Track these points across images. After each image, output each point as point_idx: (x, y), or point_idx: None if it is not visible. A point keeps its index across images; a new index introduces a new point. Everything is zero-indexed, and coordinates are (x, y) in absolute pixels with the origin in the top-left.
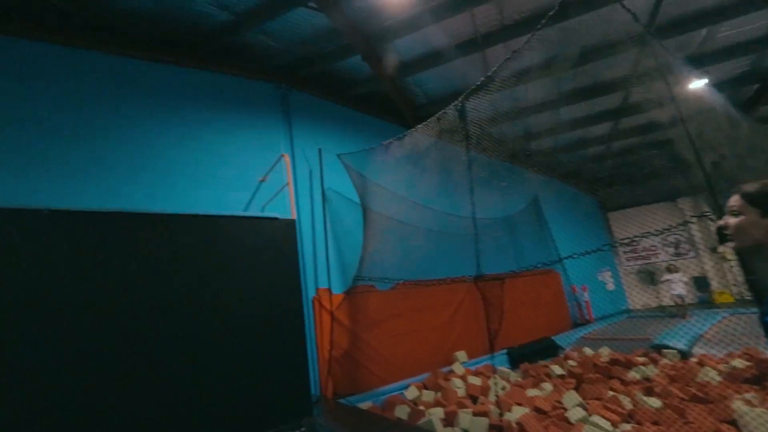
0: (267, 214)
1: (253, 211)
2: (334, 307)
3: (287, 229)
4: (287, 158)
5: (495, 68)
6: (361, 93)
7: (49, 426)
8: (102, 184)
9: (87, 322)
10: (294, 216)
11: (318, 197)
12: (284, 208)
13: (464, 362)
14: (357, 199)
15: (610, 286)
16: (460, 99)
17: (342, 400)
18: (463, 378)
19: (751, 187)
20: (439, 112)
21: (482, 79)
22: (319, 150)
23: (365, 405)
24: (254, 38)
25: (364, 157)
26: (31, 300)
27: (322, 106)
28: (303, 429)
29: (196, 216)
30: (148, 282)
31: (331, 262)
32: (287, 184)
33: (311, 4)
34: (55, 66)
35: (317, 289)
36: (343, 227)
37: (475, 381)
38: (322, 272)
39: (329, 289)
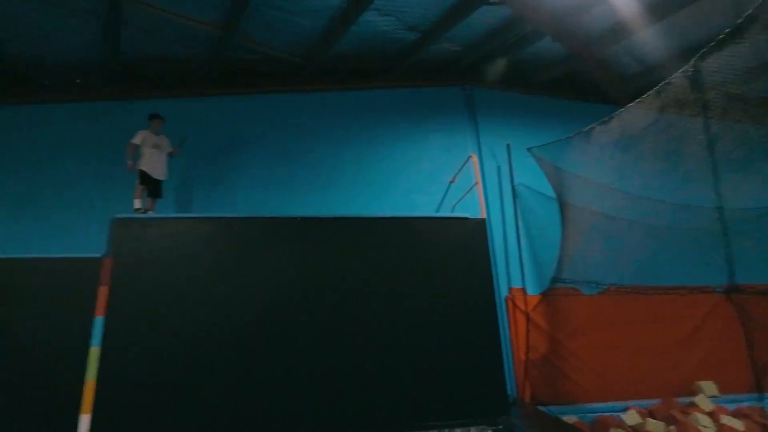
0: (457, 214)
1: (444, 213)
2: (529, 308)
3: (478, 228)
4: (475, 158)
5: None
6: (552, 77)
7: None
8: (319, 196)
9: (316, 306)
10: (484, 215)
11: (508, 195)
12: (474, 208)
13: (712, 396)
14: (551, 194)
15: None
16: (691, 62)
17: (542, 408)
18: (712, 416)
19: None
20: (660, 84)
21: (728, 30)
22: (508, 146)
23: (569, 418)
24: (439, 48)
25: (559, 148)
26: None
27: (509, 100)
28: (500, 427)
29: (392, 218)
30: (356, 275)
31: (525, 262)
32: (476, 183)
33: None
34: (292, 106)
35: (510, 289)
36: (536, 224)
37: (736, 424)
38: (514, 271)
39: (523, 289)
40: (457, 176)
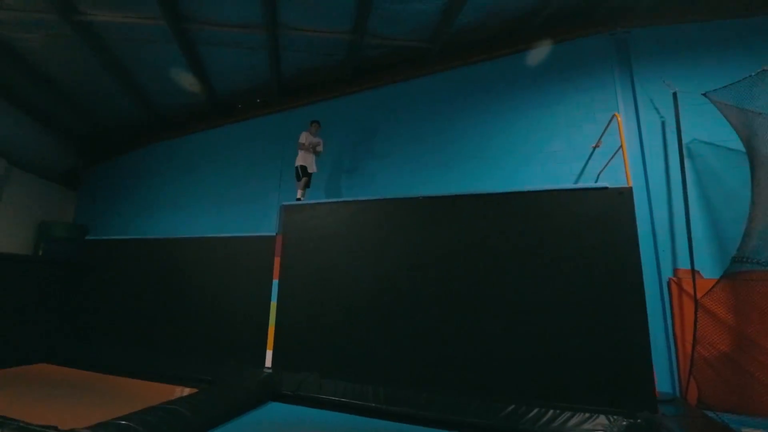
0: (594, 184)
1: (587, 182)
2: (701, 293)
3: (621, 199)
4: (619, 117)
5: None
6: None
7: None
8: (458, 172)
9: (448, 279)
10: (629, 184)
11: (676, 156)
12: (634, 173)
13: None
14: (742, 149)
15: None
16: None
17: (710, 413)
18: None
19: None
20: None
21: None
22: (674, 94)
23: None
24: None
25: (750, 86)
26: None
27: (678, 36)
28: (639, 421)
29: (516, 193)
30: (489, 251)
31: (700, 237)
32: (620, 147)
33: None
34: (423, 90)
35: (675, 270)
36: (721, 190)
37: None
38: (683, 249)
39: (694, 271)
40: (601, 140)
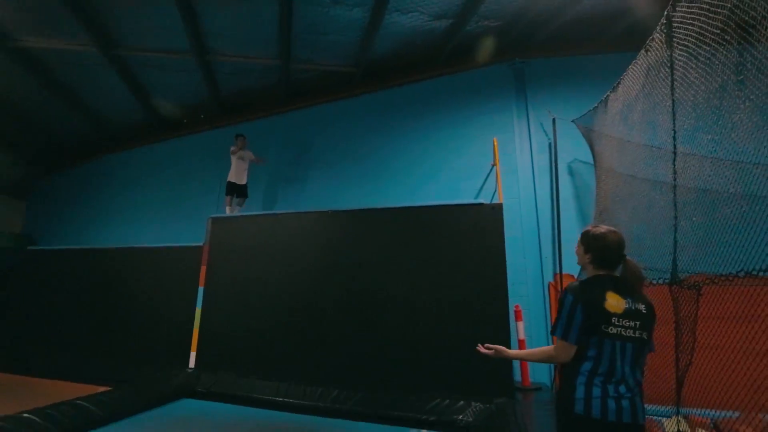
0: (472, 201)
1: (485, 197)
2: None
3: (494, 213)
4: (495, 141)
5: None
6: (619, 30)
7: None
8: (372, 186)
9: (349, 284)
10: (501, 200)
11: (564, 173)
12: (522, 191)
13: None
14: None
15: None
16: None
17: None
18: None
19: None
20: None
21: None
22: (553, 120)
23: None
24: (477, 28)
25: (594, 113)
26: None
27: (568, 66)
28: (492, 406)
29: (404, 208)
30: (380, 260)
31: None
32: (493, 165)
33: None
34: (348, 110)
35: (555, 275)
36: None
37: None
38: (567, 257)
39: (561, 275)
40: (499, 159)
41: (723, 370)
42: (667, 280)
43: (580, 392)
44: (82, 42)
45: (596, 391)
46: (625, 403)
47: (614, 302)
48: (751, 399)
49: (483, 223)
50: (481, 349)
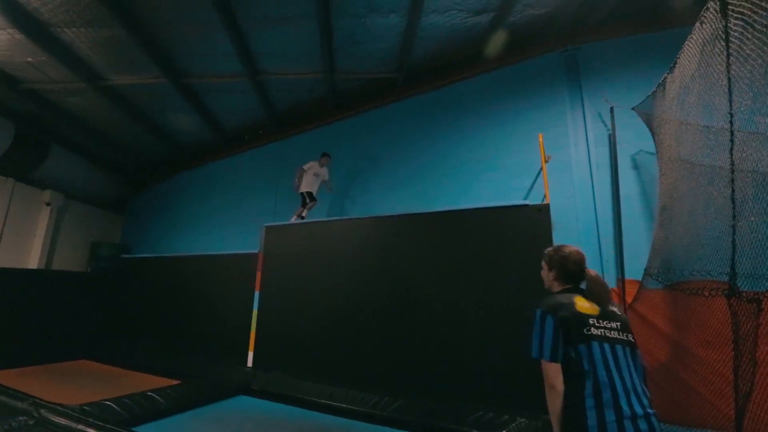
0: (515, 202)
1: (535, 197)
2: (643, 303)
3: (540, 215)
4: (541, 138)
5: None
6: (682, 3)
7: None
8: (414, 191)
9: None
10: (548, 200)
11: (626, 168)
12: (578, 189)
13: None
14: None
15: None
16: None
17: None
18: None
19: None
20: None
21: None
22: (611, 109)
23: None
24: (522, 18)
25: (654, 97)
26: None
27: (624, 49)
28: (538, 423)
29: (447, 212)
30: (424, 265)
31: (643, 244)
32: (549, 160)
33: None
34: (394, 116)
35: (617, 280)
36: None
37: None
38: (631, 260)
39: (624, 279)
40: (552, 155)
41: None
42: (724, 292)
43: (592, 419)
44: (155, 75)
45: (609, 415)
46: (642, 425)
47: (586, 305)
48: None
49: (530, 226)
50: None
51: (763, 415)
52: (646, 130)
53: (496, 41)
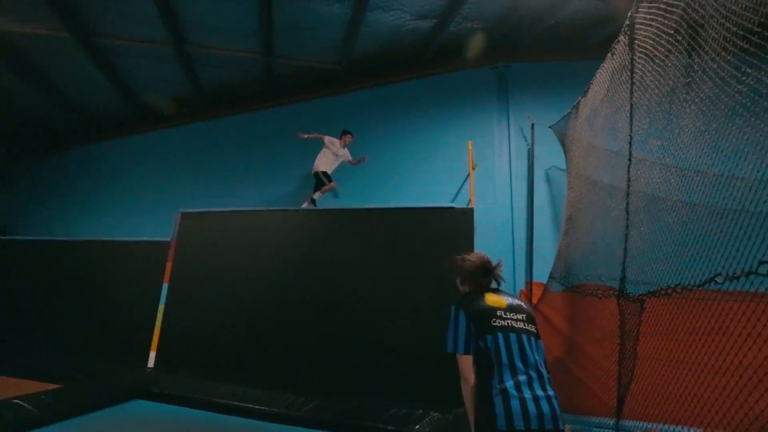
0: (443, 204)
1: (461, 201)
2: (547, 304)
3: (465, 218)
4: (470, 145)
5: None
6: (604, 36)
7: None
8: (347, 188)
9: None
10: (473, 204)
11: (541, 180)
12: (498, 196)
13: None
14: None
15: None
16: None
17: None
18: None
19: None
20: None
21: None
22: (532, 125)
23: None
24: (460, 30)
25: (568, 119)
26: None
27: (550, 72)
28: (449, 416)
29: (377, 210)
30: (345, 262)
31: (550, 252)
32: (475, 167)
33: None
34: (331, 109)
35: (527, 283)
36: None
37: None
38: (541, 264)
39: (538, 283)
40: (478, 163)
41: (661, 384)
42: (615, 293)
43: (498, 406)
44: (55, 28)
45: (514, 400)
46: (545, 406)
47: (495, 299)
48: (687, 412)
49: (454, 228)
50: None
51: (640, 400)
52: (560, 147)
53: (436, 47)
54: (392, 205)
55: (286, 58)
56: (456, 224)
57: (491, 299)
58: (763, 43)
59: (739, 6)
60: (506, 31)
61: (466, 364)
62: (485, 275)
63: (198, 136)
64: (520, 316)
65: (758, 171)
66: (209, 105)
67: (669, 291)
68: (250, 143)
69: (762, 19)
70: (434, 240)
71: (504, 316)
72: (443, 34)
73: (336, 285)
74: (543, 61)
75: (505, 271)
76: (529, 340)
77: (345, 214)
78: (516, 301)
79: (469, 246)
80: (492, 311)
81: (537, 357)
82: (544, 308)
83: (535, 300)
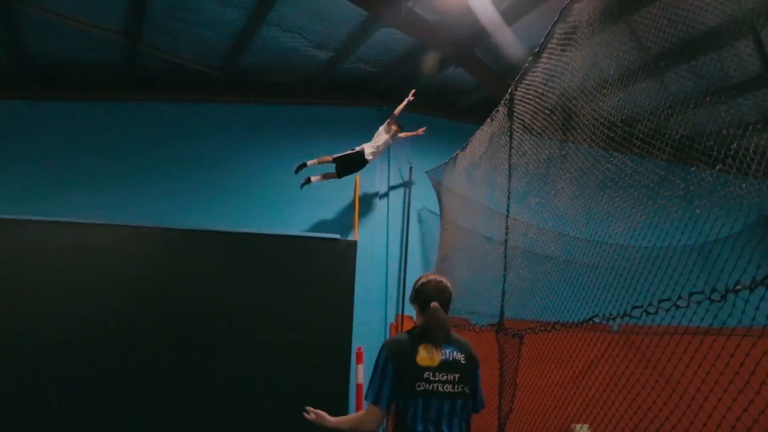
0: (327, 235)
1: (340, 232)
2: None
3: (348, 250)
4: (358, 179)
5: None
6: (474, 102)
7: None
8: (219, 208)
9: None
10: (356, 237)
11: (414, 219)
12: (376, 230)
13: None
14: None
15: None
16: (509, 91)
17: None
18: None
19: None
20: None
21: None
22: (410, 168)
23: None
24: (355, 68)
25: (442, 169)
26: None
27: (425, 123)
28: None
29: (251, 234)
30: (212, 288)
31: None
32: (354, 202)
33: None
34: (203, 117)
35: (397, 316)
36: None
37: None
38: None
39: (403, 316)
40: (359, 197)
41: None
42: (494, 328)
43: None
44: None
45: None
46: None
47: (428, 355)
48: None
49: (336, 259)
50: (306, 415)
51: (520, 428)
52: (432, 191)
53: (329, 79)
54: (270, 231)
55: (158, 50)
56: (339, 256)
57: (423, 356)
58: (625, 135)
59: (606, 104)
60: (394, 80)
61: (376, 418)
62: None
63: (18, 118)
64: (451, 377)
65: (626, 235)
66: (38, 82)
67: (548, 327)
68: (89, 137)
69: (623, 117)
70: (316, 271)
71: (431, 378)
72: (337, 67)
73: (197, 316)
74: (421, 113)
75: (377, 305)
76: (453, 406)
77: (214, 236)
78: (454, 356)
79: (351, 280)
80: (419, 373)
81: (456, 425)
82: None
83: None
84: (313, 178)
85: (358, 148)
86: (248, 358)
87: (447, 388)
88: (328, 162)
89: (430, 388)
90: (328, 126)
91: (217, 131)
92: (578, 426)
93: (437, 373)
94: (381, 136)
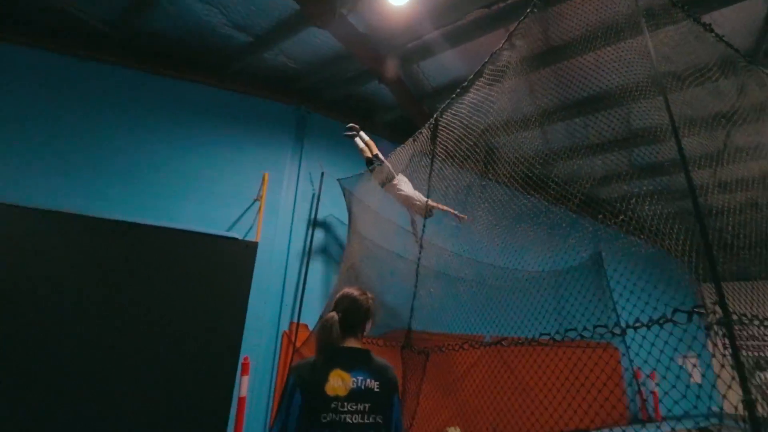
0: (227, 233)
1: (237, 231)
2: (301, 343)
3: (246, 252)
4: (266, 176)
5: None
6: (389, 119)
7: None
8: (96, 190)
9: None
10: (258, 238)
11: (320, 225)
12: (278, 232)
13: None
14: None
15: (696, 378)
16: (434, 117)
17: None
18: None
19: None
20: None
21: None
22: (322, 173)
23: None
24: (275, 59)
25: (357, 179)
26: None
27: (342, 131)
28: None
29: (135, 224)
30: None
31: (321, 295)
32: (256, 200)
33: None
34: (92, 77)
35: (291, 323)
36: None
37: None
38: (313, 305)
39: (298, 324)
40: (265, 195)
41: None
42: (400, 343)
43: None
44: None
45: None
46: None
47: (338, 383)
48: None
49: (232, 261)
50: None
51: None
52: (341, 199)
53: (245, 64)
54: (158, 222)
55: None
56: (236, 257)
57: (333, 385)
58: (542, 177)
59: (526, 147)
60: (315, 81)
61: None
62: (357, 320)
63: None
64: (361, 407)
65: (538, 264)
66: None
67: (455, 346)
68: None
69: (540, 160)
70: (209, 272)
71: (339, 408)
72: (255, 56)
73: (54, 317)
74: (339, 120)
75: (271, 311)
76: None
77: (82, 222)
78: (366, 383)
79: (246, 284)
80: (327, 403)
81: None
82: (309, 352)
83: (299, 343)
84: (358, 140)
85: (393, 176)
86: (114, 369)
87: (356, 419)
88: (368, 151)
89: (338, 419)
90: (233, 114)
91: (97, 96)
92: (451, 429)
93: (345, 403)
94: (406, 192)
